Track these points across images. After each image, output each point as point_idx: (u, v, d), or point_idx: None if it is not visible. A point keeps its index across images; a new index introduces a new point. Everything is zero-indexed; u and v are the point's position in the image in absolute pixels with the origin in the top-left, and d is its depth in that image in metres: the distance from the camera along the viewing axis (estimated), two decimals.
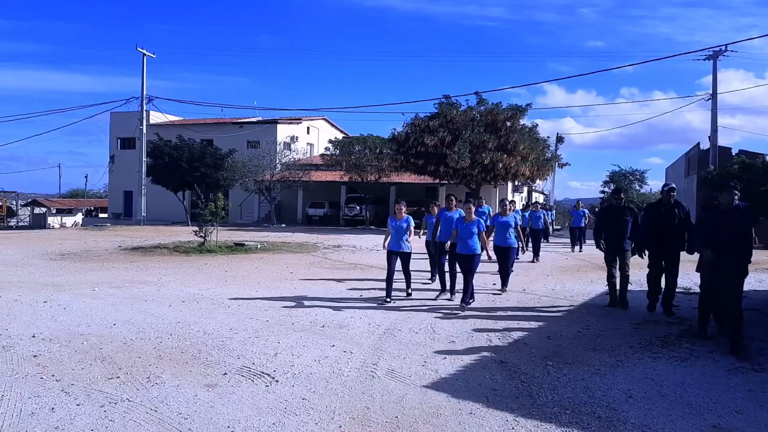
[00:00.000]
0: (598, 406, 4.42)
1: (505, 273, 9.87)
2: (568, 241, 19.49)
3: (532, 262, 14.62)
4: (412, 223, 8.94)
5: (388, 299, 8.57)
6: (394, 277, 8.93)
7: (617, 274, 8.42)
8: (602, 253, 8.59)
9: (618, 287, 8.44)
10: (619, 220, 8.30)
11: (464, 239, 8.20)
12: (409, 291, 9.14)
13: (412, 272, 9.40)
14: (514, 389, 4.81)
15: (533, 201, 17.54)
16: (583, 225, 18.52)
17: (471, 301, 8.23)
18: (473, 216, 8.33)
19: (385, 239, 9.08)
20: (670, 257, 8.01)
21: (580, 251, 17.80)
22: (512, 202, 11.15)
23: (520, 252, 12.01)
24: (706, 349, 6.17)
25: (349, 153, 32.66)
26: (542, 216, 15.48)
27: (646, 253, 8.18)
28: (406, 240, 8.90)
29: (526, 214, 15.67)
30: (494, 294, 9.55)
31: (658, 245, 7.98)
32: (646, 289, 8.30)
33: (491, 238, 10.01)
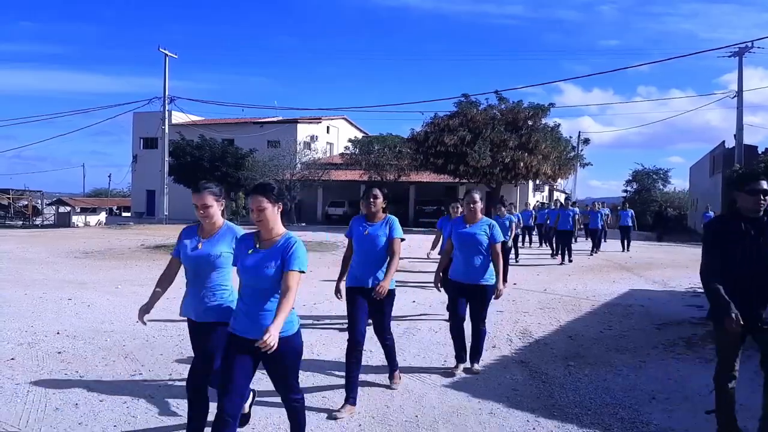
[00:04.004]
0: (620, 407, 4.37)
1: (475, 333, 5.26)
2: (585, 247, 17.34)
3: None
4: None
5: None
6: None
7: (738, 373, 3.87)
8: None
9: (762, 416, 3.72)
10: (758, 247, 3.55)
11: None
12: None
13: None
14: (535, 389, 4.77)
15: (505, 202, 12.94)
16: (572, 229, 14.68)
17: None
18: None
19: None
20: None
21: (569, 260, 14.34)
22: (458, 201, 6.92)
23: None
24: None
25: (368, 152, 32.72)
26: (509, 222, 10.78)
27: None
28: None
29: (509, 217, 11.03)
30: (465, 371, 5.19)
31: None
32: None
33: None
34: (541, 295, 9.52)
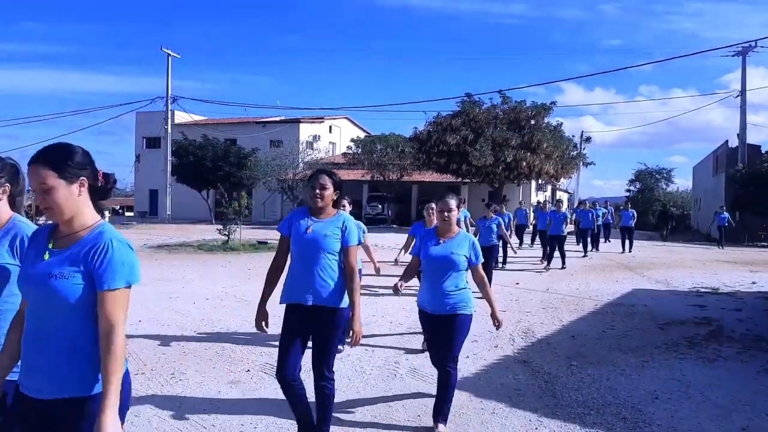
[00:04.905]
0: (623, 407, 4.36)
1: (442, 379, 3.91)
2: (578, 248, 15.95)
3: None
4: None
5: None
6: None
7: None
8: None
9: None
10: None
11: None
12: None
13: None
14: (538, 389, 4.77)
15: (492, 203, 11.54)
16: (563, 233, 13.11)
17: None
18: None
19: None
20: None
21: (562, 267, 12.87)
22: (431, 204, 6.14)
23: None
24: (734, 350, 6.06)
25: (371, 152, 32.70)
26: (494, 225, 9.82)
27: None
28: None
29: (492, 222, 9.88)
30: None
31: None
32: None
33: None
34: (543, 294, 9.51)
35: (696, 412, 4.26)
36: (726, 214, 20.92)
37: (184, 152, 30.90)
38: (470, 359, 5.60)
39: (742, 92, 26.89)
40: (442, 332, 3.94)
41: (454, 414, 4.15)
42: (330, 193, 3.50)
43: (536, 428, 3.96)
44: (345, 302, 3.46)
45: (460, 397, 4.51)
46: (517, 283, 10.51)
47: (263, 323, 3.60)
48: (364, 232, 5.34)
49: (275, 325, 3.64)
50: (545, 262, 13.28)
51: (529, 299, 8.99)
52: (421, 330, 4.62)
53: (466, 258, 3.97)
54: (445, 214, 4.02)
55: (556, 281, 11.04)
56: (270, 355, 5.62)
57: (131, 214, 47.82)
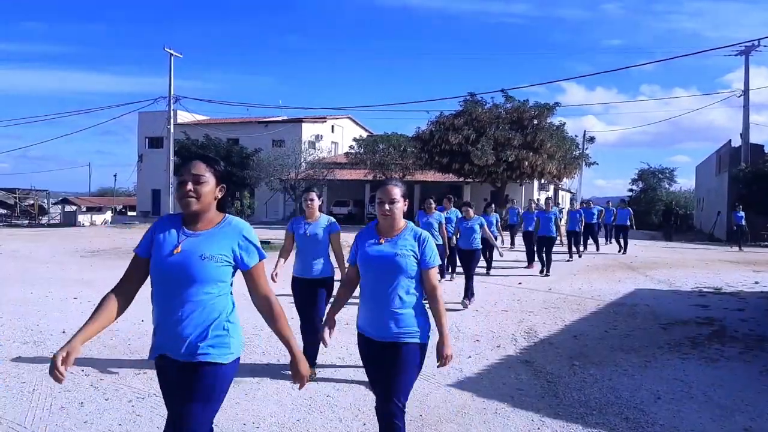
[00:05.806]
0: (625, 407, 4.35)
1: (385, 428, 3.00)
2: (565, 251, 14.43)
3: (462, 305, 7.90)
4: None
5: None
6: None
7: None
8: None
9: None
10: None
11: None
12: None
13: None
14: (540, 389, 4.76)
15: (470, 202, 9.58)
16: (554, 234, 11.79)
17: None
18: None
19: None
20: None
21: (545, 273, 11.54)
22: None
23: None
24: (737, 350, 6.05)
25: (373, 151, 32.77)
26: (477, 225, 8.72)
27: None
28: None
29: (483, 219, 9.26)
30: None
31: None
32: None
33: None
34: (545, 294, 9.49)
35: (698, 413, 4.25)
36: (742, 213, 20.49)
37: (187, 152, 30.95)
38: (472, 359, 5.60)
39: (745, 92, 26.83)
40: (387, 366, 2.91)
41: (457, 414, 4.16)
42: (210, 189, 2.40)
43: (539, 428, 3.96)
44: (233, 355, 2.43)
45: (462, 397, 4.52)
46: (520, 283, 10.50)
47: (57, 366, 2.25)
48: (336, 231, 5.24)
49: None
50: (543, 268, 11.82)
51: (531, 299, 8.98)
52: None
53: (415, 258, 2.97)
54: (386, 206, 3.02)
55: (558, 281, 11.02)
56: (273, 355, 5.62)
57: (134, 213, 47.96)
